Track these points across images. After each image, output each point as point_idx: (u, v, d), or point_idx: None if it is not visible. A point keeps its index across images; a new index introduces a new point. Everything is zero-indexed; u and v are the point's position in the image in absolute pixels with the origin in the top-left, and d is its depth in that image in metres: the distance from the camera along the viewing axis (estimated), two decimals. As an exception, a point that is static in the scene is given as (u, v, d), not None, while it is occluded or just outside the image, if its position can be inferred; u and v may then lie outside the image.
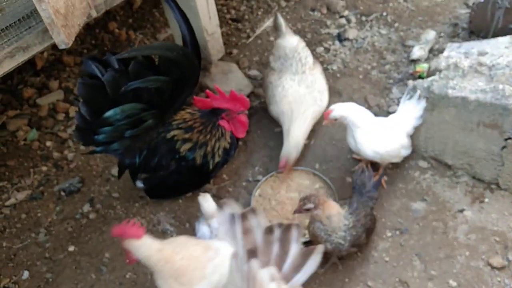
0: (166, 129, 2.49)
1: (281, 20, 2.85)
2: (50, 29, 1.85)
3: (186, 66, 2.38)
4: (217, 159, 2.46)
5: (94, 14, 2.20)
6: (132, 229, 1.75)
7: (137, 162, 2.47)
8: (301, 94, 2.71)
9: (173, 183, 2.54)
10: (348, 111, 2.35)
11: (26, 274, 2.53)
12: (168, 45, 2.49)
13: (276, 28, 2.89)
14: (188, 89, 2.53)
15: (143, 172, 2.53)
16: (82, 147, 3.07)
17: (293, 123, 2.63)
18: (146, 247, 1.75)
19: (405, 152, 2.50)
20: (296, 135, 2.61)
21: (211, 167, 2.47)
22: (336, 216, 2.08)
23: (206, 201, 2.14)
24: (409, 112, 2.50)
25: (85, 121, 2.29)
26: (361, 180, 2.31)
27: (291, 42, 2.82)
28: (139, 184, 2.58)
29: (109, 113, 2.27)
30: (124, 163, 2.51)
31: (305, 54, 2.84)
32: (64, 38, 1.88)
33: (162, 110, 2.45)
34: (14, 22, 2.10)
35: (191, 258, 1.83)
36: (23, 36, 2.07)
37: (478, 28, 3.22)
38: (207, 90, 2.53)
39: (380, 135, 2.38)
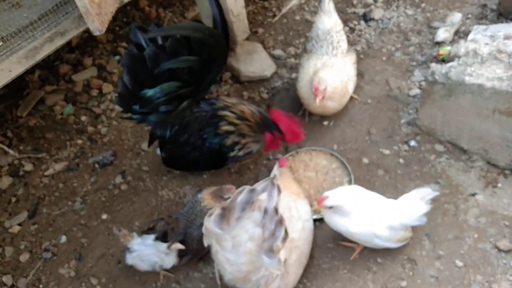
0: (207, 109, 2.60)
1: None
2: (86, 17, 1.99)
3: (214, 46, 2.46)
4: (239, 153, 2.58)
5: (125, 0, 2.32)
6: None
7: (167, 135, 2.64)
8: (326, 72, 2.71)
9: (192, 159, 2.69)
10: (343, 198, 2.21)
11: (63, 238, 2.76)
12: (196, 26, 2.51)
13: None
14: (217, 68, 2.63)
15: (171, 144, 2.69)
16: (114, 123, 3.26)
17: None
18: None
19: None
20: (324, 75, 2.64)
21: (231, 154, 2.59)
22: None
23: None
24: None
25: (127, 89, 2.42)
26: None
27: (325, 23, 2.80)
28: (158, 151, 2.73)
29: (150, 93, 2.41)
30: (155, 133, 2.68)
31: (339, 38, 2.82)
32: (98, 25, 2.02)
33: (195, 87, 2.57)
34: (53, 7, 2.25)
35: None
36: (61, 21, 2.22)
37: (507, 10, 3.18)
38: (277, 109, 2.60)
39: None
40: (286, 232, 1.84)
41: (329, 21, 2.81)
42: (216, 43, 2.47)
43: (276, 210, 1.82)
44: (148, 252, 2.36)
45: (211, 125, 2.58)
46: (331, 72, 2.69)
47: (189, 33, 2.40)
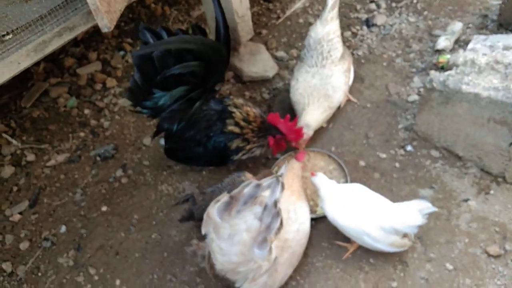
0: (216, 107, 2.69)
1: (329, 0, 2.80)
2: (95, 14, 2.04)
3: (210, 54, 2.53)
4: (243, 157, 2.68)
5: (134, -2, 2.38)
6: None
7: (174, 129, 2.71)
8: (311, 85, 2.81)
9: (194, 154, 2.75)
10: (324, 184, 2.37)
11: (63, 228, 2.82)
12: (186, 38, 2.54)
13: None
14: (221, 69, 2.71)
15: (177, 138, 2.74)
16: (117, 117, 3.31)
17: (305, 110, 2.77)
18: None
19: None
20: (308, 119, 2.75)
21: (235, 158, 2.67)
22: None
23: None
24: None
25: (137, 85, 2.55)
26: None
27: (318, 32, 2.84)
28: (162, 141, 2.80)
29: (161, 102, 2.54)
30: (162, 126, 2.74)
31: (329, 47, 2.83)
32: (107, 22, 2.07)
33: (203, 89, 2.66)
34: (62, 3, 2.31)
35: None
36: (70, 17, 2.28)
37: (507, 21, 3.24)
38: (274, 113, 2.67)
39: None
40: (281, 223, 1.91)
41: (322, 30, 2.84)
42: (213, 51, 2.54)
43: (275, 204, 1.89)
44: None
45: (220, 120, 2.64)
46: (311, 116, 2.77)
47: (181, 46, 2.45)
